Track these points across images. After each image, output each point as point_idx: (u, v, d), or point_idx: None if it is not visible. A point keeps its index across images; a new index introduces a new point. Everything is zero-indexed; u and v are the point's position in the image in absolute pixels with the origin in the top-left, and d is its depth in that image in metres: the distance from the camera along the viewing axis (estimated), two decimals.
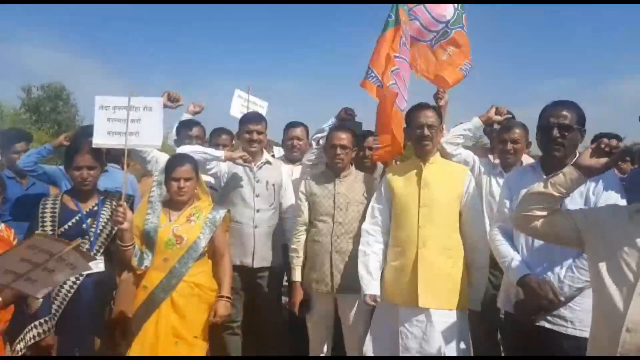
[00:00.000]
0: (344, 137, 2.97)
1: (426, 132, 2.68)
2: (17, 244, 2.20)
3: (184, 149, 3.14)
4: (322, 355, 3.06)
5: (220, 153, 3.19)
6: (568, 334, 2.10)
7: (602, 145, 1.72)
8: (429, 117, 2.71)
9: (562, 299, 2.07)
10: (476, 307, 2.66)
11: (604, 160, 1.74)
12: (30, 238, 2.07)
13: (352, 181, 3.03)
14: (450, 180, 2.72)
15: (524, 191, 2.27)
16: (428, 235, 2.60)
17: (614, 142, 1.72)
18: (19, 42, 53.27)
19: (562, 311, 2.11)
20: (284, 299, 3.79)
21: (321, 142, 3.41)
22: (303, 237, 3.05)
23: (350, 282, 2.84)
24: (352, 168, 3.12)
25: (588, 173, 1.77)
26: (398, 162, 3.26)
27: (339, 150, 2.96)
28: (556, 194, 1.80)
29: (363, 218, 2.90)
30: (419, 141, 2.72)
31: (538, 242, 2.22)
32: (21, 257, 2.03)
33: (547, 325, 2.14)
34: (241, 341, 3.38)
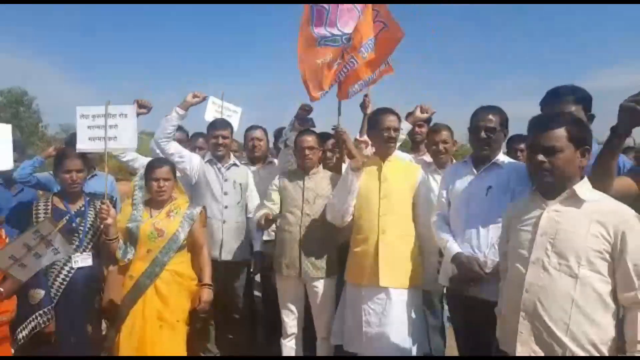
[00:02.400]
0: (310, 140, 3.44)
1: (392, 134, 3.16)
2: (28, 229, 2.51)
3: (156, 133, 3.60)
4: (293, 333, 3.47)
5: (174, 111, 3.60)
6: (491, 301, 2.51)
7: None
8: (393, 121, 3.19)
9: (487, 271, 2.58)
10: (431, 287, 3.13)
11: None
12: (40, 223, 2.50)
13: (320, 178, 3.47)
14: (405, 176, 3.20)
15: (458, 182, 2.80)
16: (388, 223, 3.07)
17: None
18: None
19: (487, 282, 2.58)
20: (256, 293, 4.23)
21: (288, 143, 3.83)
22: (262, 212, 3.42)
23: (318, 268, 3.32)
24: (320, 167, 3.57)
25: None
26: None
27: (307, 152, 3.41)
28: None
29: None
30: (385, 142, 3.18)
31: (468, 227, 2.73)
32: (24, 242, 2.43)
33: (477, 295, 2.61)
34: (214, 332, 3.79)
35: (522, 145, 3.91)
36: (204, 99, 3.70)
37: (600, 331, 1.86)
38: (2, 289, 2.58)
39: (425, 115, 3.87)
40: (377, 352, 2.97)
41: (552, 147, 1.92)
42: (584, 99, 2.49)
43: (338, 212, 3.14)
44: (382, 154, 3.21)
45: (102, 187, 3.31)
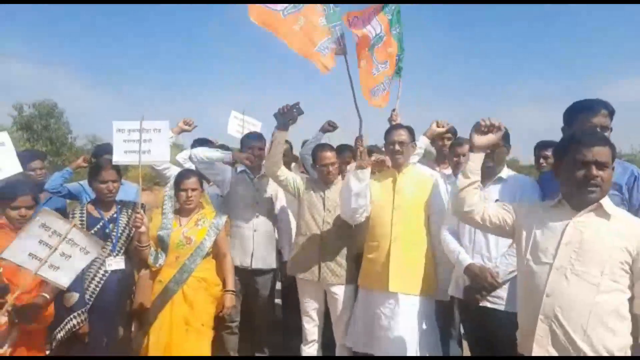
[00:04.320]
0: (330, 156, 3.59)
1: (397, 147, 3.31)
2: (28, 220, 2.62)
3: (198, 150, 3.75)
4: (314, 340, 3.61)
5: (229, 153, 3.80)
6: (505, 311, 2.67)
7: (481, 126, 2.26)
8: (401, 135, 3.34)
9: (499, 280, 2.67)
10: (444, 297, 3.21)
11: (487, 137, 2.27)
12: (38, 213, 2.61)
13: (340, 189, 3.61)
14: (419, 187, 3.32)
15: None
16: (399, 232, 3.21)
17: (488, 121, 2.24)
18: (7, 59, 54.16)
19: (499, 292, 2.70)
20: (277, 301, 4.38)
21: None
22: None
23: (336, 275, 3.45)
24: (340, 177, 3.73)
25: (482, 149, 2.30)
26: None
27: (330, 168, 3.58)
28: (473, 178, 2.31)
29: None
30: (392, 155, 3.36)
31: (478, 238, 2.84)
32: (39, 239, 2.57)
33: (488, 304, 2.72)
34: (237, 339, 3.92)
35: (548, 152, 3.93)
36: (250, 162, 3.89)
37: (617, 338, 1.95)
38: (47, 295, 2.76)
39: (441, 130, 4.01)
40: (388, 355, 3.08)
41: (606, 163, 2.01)
42: (613, 112, 2.57)
43: (346, 213, 3.31)
44: (395, 166, 3.37)
45: (127, 196, 3.51)
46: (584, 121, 2.52)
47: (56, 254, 2.61)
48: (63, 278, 2.64)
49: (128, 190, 4.02)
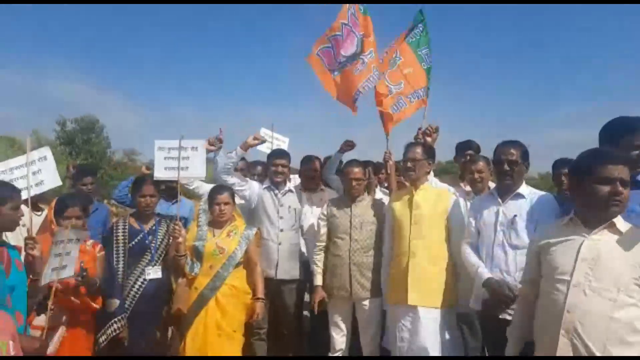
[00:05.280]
0: (357, 171, 3.74)
1: (409, 164, 3.45)
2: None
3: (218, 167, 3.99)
4: (341, 349, 3.74)
5: (235, 152, 4.07)
6: None
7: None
8: (415, 152, 3.47)
9: (517, 294, 2.70)
10: (465, 309, 3.30)
11: None
12: (57, 233, 2.78)
13: (366, 205, 3.77)
14: (436, 202, 3.43)
15: (485, 212, 3.00)
16: (417, 247, 3.32)
17: None
18: (52, 78, 56.72)
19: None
20: (306, 312, 4.51)
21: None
22: (322, 255, 3.81)
23: (366, 289, 3.60)
24: (366, 194, 3.88)
25: None
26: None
27: (354, 183, 3.73)
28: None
29: (375, 236, 3.66)
30: (405, 171, 3.52)
31: (497, 253, 2.92)
32: (55, 254, 2.75)
33: (507, 317, 2.76)
34: (266, 346, 4.08)
35: (567, 170, 3.99)
36: (263, 141, 4.17)
37: (634, 351, 2.01)
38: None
39: (429, 140, 4.12)
40: None
41: (627, 182, 2.09)
42: None
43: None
44: (410, 182, 3.52)
45: (185, 212, 3.75)
46: (631, 141, 2.46)
47: (63, 256, 2.83)
48: (69, 271, 2.77)
49: (184, 205, 4.32)
